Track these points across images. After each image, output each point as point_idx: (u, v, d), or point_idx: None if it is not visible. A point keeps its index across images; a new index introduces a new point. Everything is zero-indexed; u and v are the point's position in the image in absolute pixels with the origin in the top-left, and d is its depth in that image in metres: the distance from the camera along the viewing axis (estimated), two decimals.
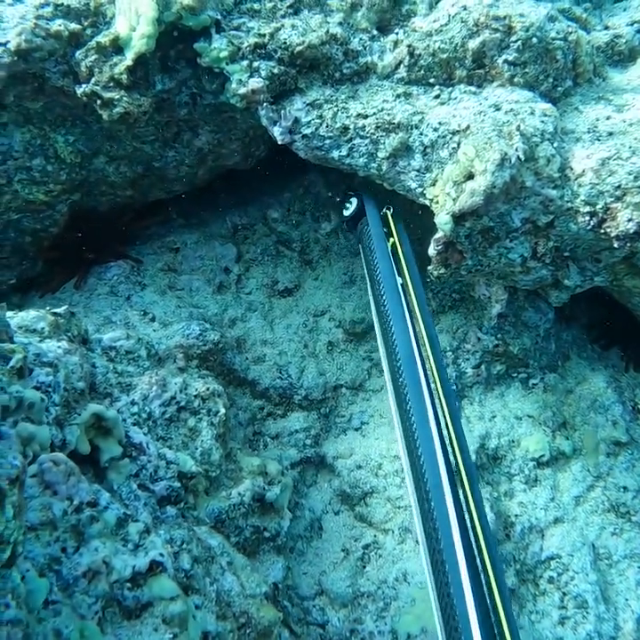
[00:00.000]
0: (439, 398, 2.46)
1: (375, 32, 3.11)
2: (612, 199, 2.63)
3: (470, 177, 2.70)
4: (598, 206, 2.66)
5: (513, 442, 3.51)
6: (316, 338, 3.79)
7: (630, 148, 2.66)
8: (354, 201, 3.28)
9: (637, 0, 3.57)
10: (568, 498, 3.42)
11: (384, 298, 2.77)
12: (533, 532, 3.30)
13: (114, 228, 3.76)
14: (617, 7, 3.65)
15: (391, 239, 3.06)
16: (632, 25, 3.39)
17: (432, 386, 2.48)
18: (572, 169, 2.74)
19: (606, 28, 3.44)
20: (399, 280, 2.83)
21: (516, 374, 3.68)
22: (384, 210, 3.19)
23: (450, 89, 3.02)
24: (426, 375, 2.49)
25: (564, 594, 3.17)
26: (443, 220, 2.79)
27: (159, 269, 3.76)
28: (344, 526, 3.34)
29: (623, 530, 3.35)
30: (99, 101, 2.92)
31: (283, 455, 3.43)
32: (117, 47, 2.88)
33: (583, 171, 2.70)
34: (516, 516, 3.33)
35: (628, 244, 2.64)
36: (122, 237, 3.81)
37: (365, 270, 3.07)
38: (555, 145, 2.74)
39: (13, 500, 1.42)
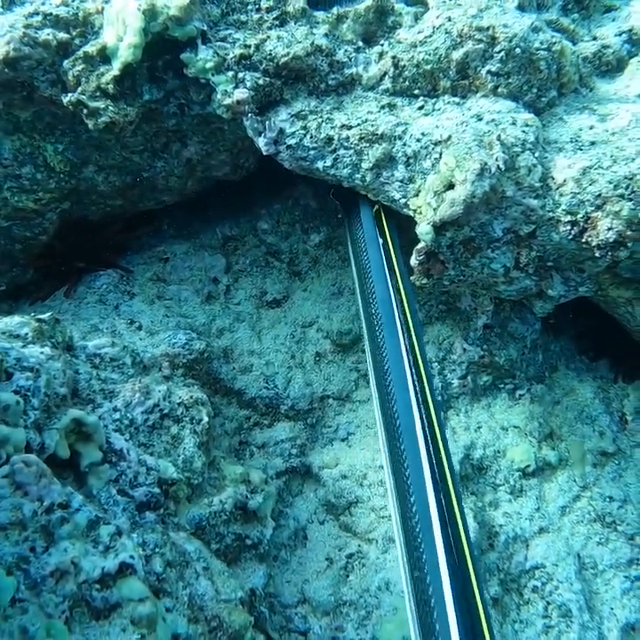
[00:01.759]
0: (425, 408, 2.49)
1: (361, 43, 3.14)
2: (593, 208, 2.65)
3: (451, 187, 2.72)
4: (579, 215, 2.68)
5: (498, 452, 3.51)
6: (304, 348, 3.80)
7: (611, 157, 2.68)
8: None
9: (626, 10, 3.57)
10: (554, 508, 3.42)
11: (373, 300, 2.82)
12: (518, 541, 3.30)
13: (104, 237, 3.79)
14: (606, 17, 3.64)
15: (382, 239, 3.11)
16: (620, 35, 3.40)
17: (419, 395, 2.51)
18: (553, 178, 2.76)
19: (594, 38, 3.45)
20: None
21: (502, 385, 3.69)
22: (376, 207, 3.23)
23: (434, 100, 3.04)
24: (413, 382, 2.53)
25: (548, 603, 3.17)
26: (424, 229, 2.81)
27: (148, 279, 3.78)
28: (328, 536, 3.34)
29: (609, 539, 3.35)
30: (85, 110, 2.95)
31: (268, 464, 3.43)
32: (105, 57, 2.92)
33: (564, 180, 2.72)
34: (501, 525, 3.33)
35: (609, 253, 2.66)
36: (112, 246, 3.84)
37: (353, 268, 3.12)
38: (536, 155, 2.76)
39: None
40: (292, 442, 3.54)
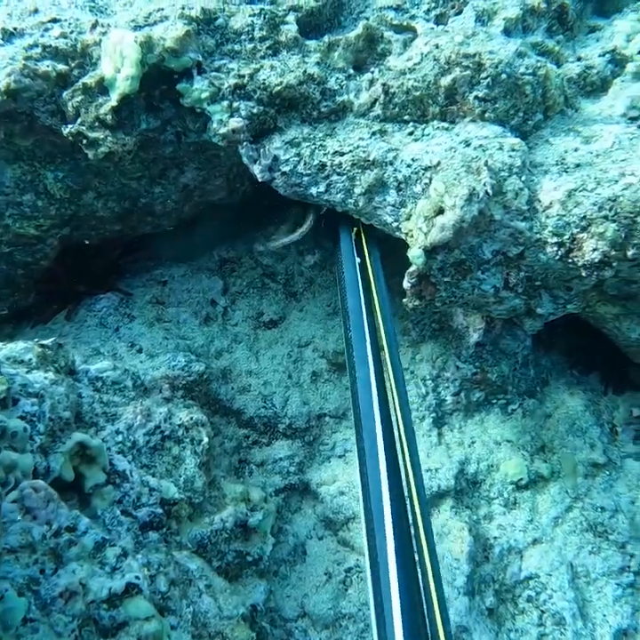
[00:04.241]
0: (389, 432, 2.59)
1: (351, 71, 3.23)
2: (578, 229, 2.72)
3: (440, 212, 2.80)
4: (565, 237, 2.75)
5: (492, 466, 3.59)
6: (301, 368, 3.88)
7: (595, 179, 2.75)
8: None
9: (609, 30, 3.63)
10: (547, 519, 3.50)
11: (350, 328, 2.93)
12: (512, 553, 3.38)
13: (103, 261, 3.87)
14: (590, 38, 3.70)
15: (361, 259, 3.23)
16: (604, 55, 3.45)
17: (385, 419, 2.61)
18: (540, 201, 2.83)
19: (579, 59, 3.50)
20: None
21: (495, 400, 3.77)
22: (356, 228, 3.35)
23: (423, 125, 3.12)
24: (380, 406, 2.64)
25: (543, 612, 3.25)
26: (415, 253, 2.89)
27: (147, 302, 3.86)
28: (327, 551, 3.41)
29: (601, 548, 3.43)
30: (84, 141, 3.03)
31: (267, 482, 3.51)
32: (103, 88, 2.99)
33: (551, 202, 2.80)
34: (495, 538, 3.41)
35: (595, 273, 2.73)
36: (112, 270, 3.92)
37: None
38: (523, 178, 2.84)
39: None
40: (291, 460, 3.61)
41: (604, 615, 3.27)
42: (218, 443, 3.52)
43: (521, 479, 3.55)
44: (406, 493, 2.39)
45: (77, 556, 1.96)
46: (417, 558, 2.23)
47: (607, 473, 3.66)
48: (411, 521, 2.32)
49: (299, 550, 3.41)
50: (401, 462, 2.49)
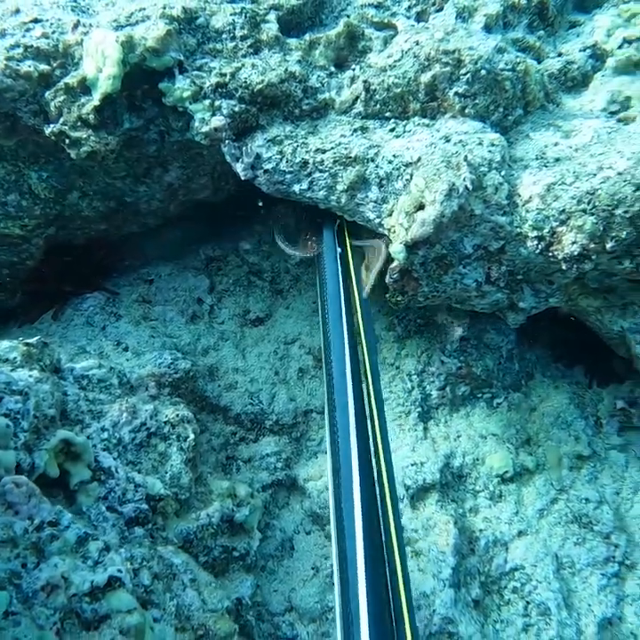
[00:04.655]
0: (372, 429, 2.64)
1: (333, 69, 3.25)
2: (557, 223, 2.75)
3: (421, 207, 2.83)
4: (545, 231, 2.78)
5: (477, 460, 3.62)
6: (287, 365, 3.90)
7: (574, 173, 2.78)
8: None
9: (590, 25, 3.65)
10: (532, 511, 3.52)
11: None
12: (498, 545, 3.40)
13: (89, 261, 3.88)
14: (571, 33, 3.72)
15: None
16: (584, 50, 3.47)
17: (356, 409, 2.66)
18: (519, 195, 2.86)
19: (560, 54, 3.53)
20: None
21: (480, 394, 3.80)
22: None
23: (405, 122, 3.15)
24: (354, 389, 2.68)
25: (528, 602, 3.27)
26: (396, 249, 2.91)
27: (134, 300, 3.88)
28: (315, 545, 3.43)
29: (586, 539, 3.46)
30: (67, 140, 3.05)
31: (254, 478, 3.52)
32: (85, 87, 3.01)
33: (530, 197, 2.83)
34: (481, 530, 3.43)
35: (575, 266, 2.76)
36: (98, 270, 3.94)
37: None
38: (502, 173, 2.87)
39: None
40: (278, 456, 3.63)
41: (589, 605, 3.30)
42: (205, 439, 3.54)
43: (506, 472, 3.57)
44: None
45: (59, 550, 1.98)
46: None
47: (592, 465, 3.69)
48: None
49: (286, 545, 3.42)
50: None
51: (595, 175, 2.72)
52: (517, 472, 3.61)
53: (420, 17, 3.51)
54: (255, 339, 3.98)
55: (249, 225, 4.25)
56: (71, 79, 3.00)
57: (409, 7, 3.51)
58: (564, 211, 2.73)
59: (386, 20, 3.37)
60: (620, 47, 3.45)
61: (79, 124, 3.03)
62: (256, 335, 4.00)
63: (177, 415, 3.06)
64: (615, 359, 3.70)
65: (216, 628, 2.32)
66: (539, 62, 3.43)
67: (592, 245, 2.69)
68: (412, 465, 3.50)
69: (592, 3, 3.87)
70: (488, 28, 3.39)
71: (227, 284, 4.12)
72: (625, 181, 2.62)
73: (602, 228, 2.66)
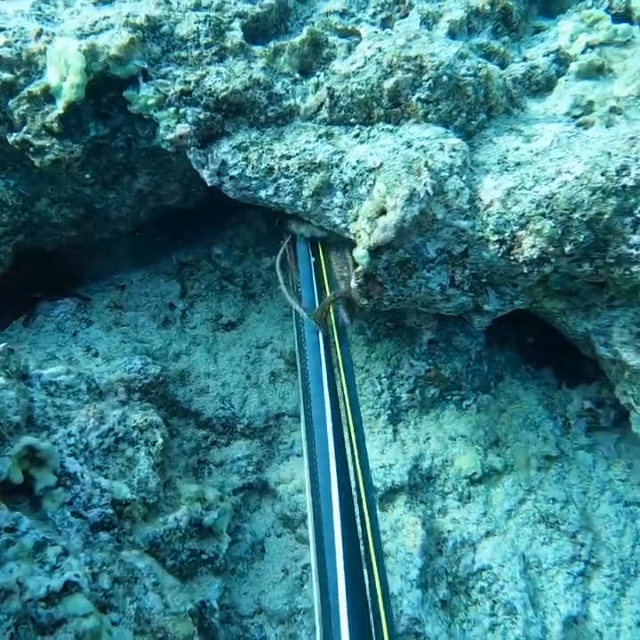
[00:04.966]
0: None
1: (297, 75, 3.28)
2: (517, 227, 2.77)
3: (383, 212, 2.85)
4: (506, 234, 2.80)
5: (447, 461, 3.66)
6: (259, 369, 3.93)
7: (533, 177, 2.81)
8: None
9: (554, 30, 3.69)
10: (500, 512, 3.57)
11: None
12: (466, 545, 3.44)
13: (61, 267, 3.90)
14: (536, 38, 3.76)
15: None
16: (548, 55, 3.51)
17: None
18: (481, 200, 2.88)
19: (525, 59, 3.56)
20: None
21: (450, 397, 3.84)
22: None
23: (369, 128, 3.17)
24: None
25: (495, 602, 3.31)
26: (360, 254, 2.94)
27: (105, 306, 3.91)
28: (285, 548, 3.45)
29: (552, 539, 3.51)
30: (31, 148, 3.07)
31: (226, 482, 3.54)
32: (49, 96, 3.03)
33: (491, 201, 2.85)
34: (449, 531, 3.47)
35: (536, 269, 2.79)
36: (69, 276, 3.95)
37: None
38: (464, 178, 2.89)
39: None
40: (249, 459, 3.65)
41: (555, 603, 3.34)
42: (176, 444, 3.56)
43: (475, 473, 3.62)
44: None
45: (16, 555, 2.00)
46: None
47: (560, 465, 3.74)
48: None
49: (257, 548, 3.45)
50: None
51: (553, 179, 2.75)
52: (486, 473, 3.65)
53: (386, 23, 3.55)
54: (227, 343, 4.01)
55: (221, 230, 4.27)
56: (35, 88, 3.02)
57: (374, 14, 3.55)
58: (523, 215, 2.76)
59: (349, 27, 3.40)
60: (583, 52, 3.49)
61: (43, 132, 3.05)
62: (228, 339, 4.02)
63: (145, 420, 3.08)
64: (584, 360, 3.74)
65: (175, 631, 2.34)
66: (503, 67, 3.47)
67: (551, 249, 2.71)
68: (381, 467, 3.53)
69: (557, 8, 3.92)
70: (452, 34, 3.42)
71: (199, 289, 4.15)
72: (582, 185, 2.65)
73: (560, 232, 2.69)
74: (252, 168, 3.10)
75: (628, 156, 2.64)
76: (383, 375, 3.82)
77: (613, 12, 3.70)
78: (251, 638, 3.12)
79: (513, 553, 3.42)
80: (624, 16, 3.70)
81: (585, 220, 2.65)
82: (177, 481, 3.18)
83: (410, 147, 2.96)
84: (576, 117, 3.23)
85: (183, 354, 3.88)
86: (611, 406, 3.82)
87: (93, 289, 4.00)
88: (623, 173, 2.62)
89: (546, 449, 3.73)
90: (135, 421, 3.05)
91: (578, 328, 3.26)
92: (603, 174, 2.63)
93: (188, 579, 2.90)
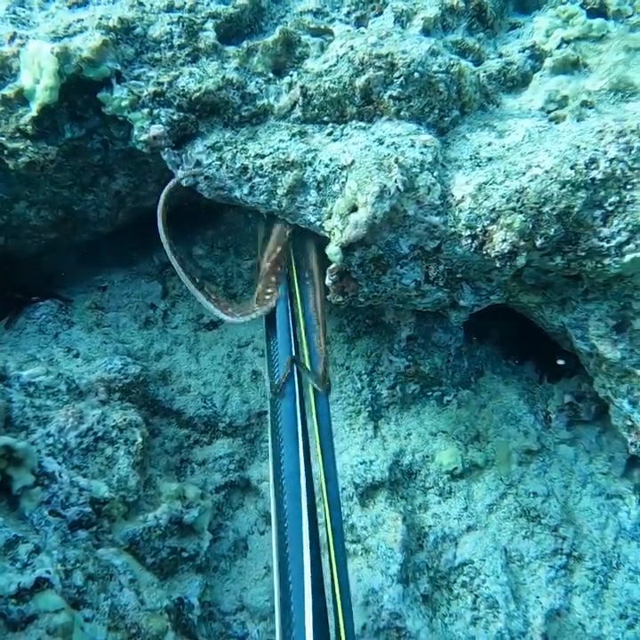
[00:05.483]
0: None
1: (271, 75, 3.29)
2: (489, 222, 2.79)
3: (354, 209, 2.86)
4: (477, 229, 2.81)
5: (427, 457, 3.68)
6: (241, 367, 3.94)
7: (504, 172, 2.83)
8: None
9: (530, 27, 3.71)
10: (481, 506, 3.59)
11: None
12: (447, 540, 3.47)
13: (41, 269, 3.91)
14: (511, 34, 3.78)
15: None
16: (523, 51, 3.53)
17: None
18: (453, 195, 2.90)
19: (500, 55, 3.58)
20: None
21: (430, 393, 3.86)
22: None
23: (342, 126, 3.18)
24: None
25: (477, 596, 3.34)
26: (333, 251, 2.95)
27: (87, 307, 3.92)
28: (268, 545, 3.44)
29: (534, 533, 3.53)
30: (5, 151, 3.08)
31: (208, 480, 3.56)
32: (23, 99, 3.03)
33: (463, 196, 2.87)
34: (430, 526, 3.49)
35: (508, 263, 2.81)
36: (50, 278, 3.97)
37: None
38: (435, 174, 2.90)
39: None
40: (231, 457, 3.67)
41: (537, 597, 3.36)
42: (158, 443, 3.58)
43: (456, 468, 3.63)
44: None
45: None
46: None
47: (541, 459, 3.76)
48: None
49: (240, 545, 3.47)
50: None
51: (524, 174, 2.77)
52: (467, 468, 3.67)
53: (360, 22, 3.56)
54: (209, 342, 4.02)
55: (202, 230, 4.29)
56: (8, 91, 3.03)
57: (348, 13, 3.56)
58: (494, 209, 2.77)
59: (322, 26, 3.41)
60: (558, 47, 3.51)
61: (17, 134, 3.06)
62: (209, 339, 4.04)
63: (125, 419, 3.10)
64: (563, 354, 3.76)
65: (148, 627, 2.36)
66: (478, 64, 3.48)
67: (522, 243, 2.73)
68: (362, 463, 3.55)
69: (532, 4, 3.93)
70: (427, 32, 3.44)
71: (180, 289, 4.16)
72: (551, 179, 2.67)
73: (531, 226, 2.71)
74: (227, 168, 3.12)
75: (596, 150, 2.67)
76: (363, 372, 3.84)
77: (588, 7, 3.70)
78: (233, 635, 3.14)
79: (494, 547, 3.44)
80: (599, 11, 3.71)
81: (555, 213, 2.67)
82: (157, 479, 3.20)
83: (381, 144, 2.97)
84: (550, 112, 3.25)
85: (165, 353, 3.89)
86: (591, 400, 3.84)
87: (75, 290, 4.01)
88: (592, 166, 2.64)
89: (527, 443, 3.75)
90: (114, 421, 3.07)
91: (554, 322, 3.27)
92: (572, 168, 2.65)
93: (169, 576, 2.93)
